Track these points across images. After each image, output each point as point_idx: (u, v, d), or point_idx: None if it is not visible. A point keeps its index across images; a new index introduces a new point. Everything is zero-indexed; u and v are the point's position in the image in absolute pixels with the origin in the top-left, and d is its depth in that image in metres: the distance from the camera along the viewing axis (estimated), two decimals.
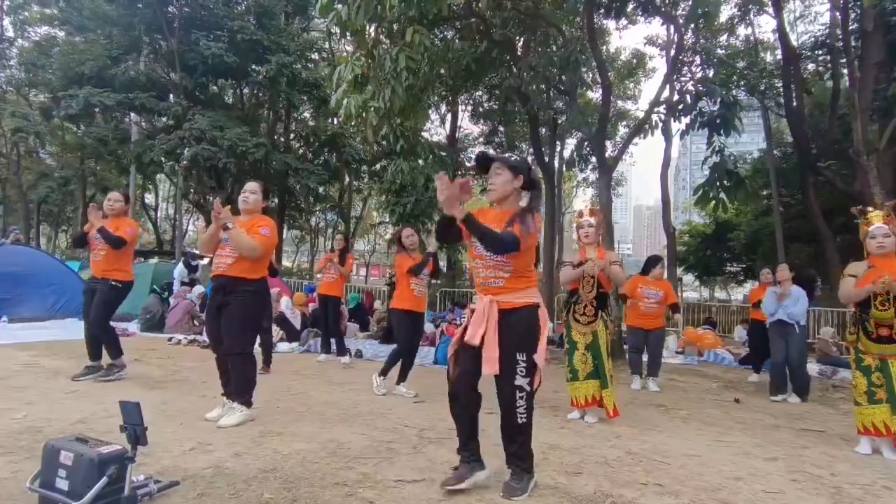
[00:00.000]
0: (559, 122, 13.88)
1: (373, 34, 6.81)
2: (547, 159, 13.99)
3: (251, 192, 3.66)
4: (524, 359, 2.48)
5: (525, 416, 2.49)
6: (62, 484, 1.99)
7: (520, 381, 2.47)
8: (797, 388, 5.55)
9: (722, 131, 8.71)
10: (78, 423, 3.25)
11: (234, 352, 3.47)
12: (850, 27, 9.92)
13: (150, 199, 28.25)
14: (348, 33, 6.79)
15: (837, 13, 10.06)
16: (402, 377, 4.82)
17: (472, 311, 2.61)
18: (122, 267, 4.65)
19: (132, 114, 15.46)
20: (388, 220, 18.44)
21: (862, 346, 3.61)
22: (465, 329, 2.59)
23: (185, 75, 14.59)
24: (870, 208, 3.73)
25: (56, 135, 19.79)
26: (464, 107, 18.06)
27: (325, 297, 6.65)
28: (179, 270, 9.90)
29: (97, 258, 4.62)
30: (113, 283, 4.57)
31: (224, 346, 3.48)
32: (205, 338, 6.54)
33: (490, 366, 2.46)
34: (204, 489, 2.37)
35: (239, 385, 3.51)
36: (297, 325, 8.03)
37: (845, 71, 10.22)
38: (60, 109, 13.89)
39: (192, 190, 18.89)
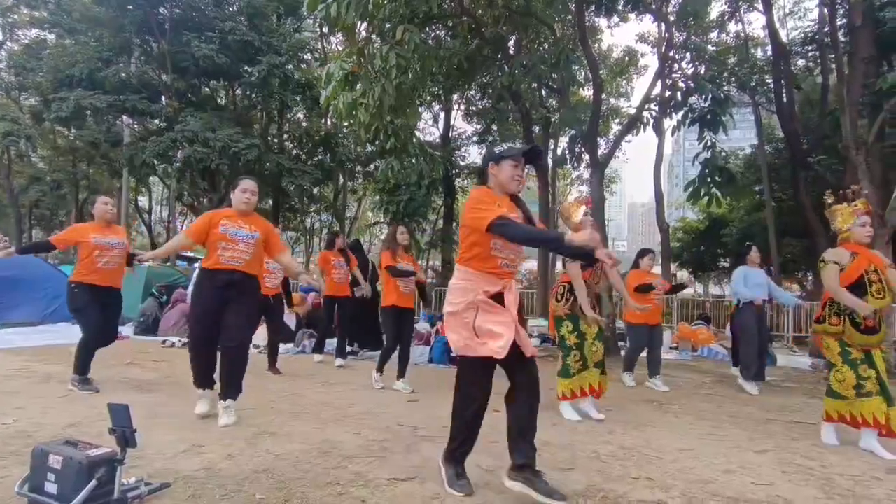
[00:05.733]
0: (552, 120, 13.91)
1: (363, 32, 6.82)
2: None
3: (252, 192, 3.65)
4: None
5: None
6: (51, 487, 1.98)
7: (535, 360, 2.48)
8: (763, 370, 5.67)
9: (712, 127, 8.77)
10: (69, 427, 3.24)
11: (243, 338, 3.55)
12: (839, 22, 9.97)
13: (143, 201, 28.09)
14: (337, 31, 6.79)
15: (826, 9, 10.11)
16: (401, 373, 4.95)
17: (492, 297, 2.42)
18: None
19: (124, 116, 15.37)
20: (382, 219, 18.41)
21: (847, 339, 3.53)
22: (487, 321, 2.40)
23: (177, 77, 14.51)
24: (852, 191, 3.74)
25: (47, 138, 19.64)
26: (457, 106, 18.05)
27: (334, 299, 6.45)
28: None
29: (110, 266, 4.33)
30: (120, 293, 4.54)
31: (234, 335, 3.46)
32: None
33: (529, 348, 2.41)
34: (195, 490, 2.37)
35: (239, 376, 3.55)
36: (293, 327, 8.02)
37: (835, 66, 10.27)
38: (51, 112, 13.77)
39: (185, 192, 18.80)
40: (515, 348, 2.38)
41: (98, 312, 4.29)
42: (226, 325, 3.45)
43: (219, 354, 3.62)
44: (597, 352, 4.10)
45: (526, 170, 2.63)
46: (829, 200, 3.77)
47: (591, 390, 4.10)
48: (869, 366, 3.47)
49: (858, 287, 3.48)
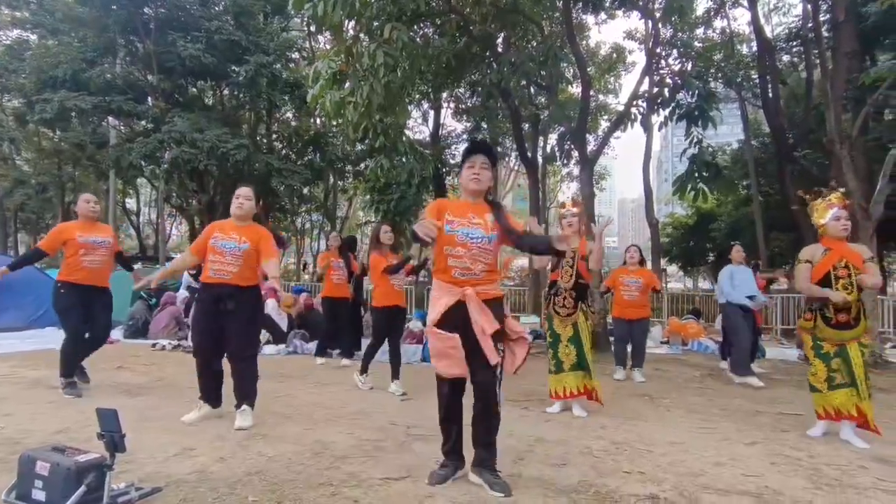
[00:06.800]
0: (541, 117, 13.94)
1: (351, 31, 6.79)
2: (530, 155, 14.05)
3: (245, 197, 3.65)
4: (501, 347, 2.57)
5: (499, 404, 2.57)
6: (39, 495, 1.96)
7: (497, 368, 2.54)
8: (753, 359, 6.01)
9: (699, 123, 8.84)
10: (58, 433, 3.20)
11: (246, 355, 3.53)
12: (822, 18, 10.09)
13: (130, 203, 27.78)
14: (325, 29, 6.76)
15: (809, 5, 10.22)
16: (395, 374, 4.89)
17: (451, 307, 2.55)
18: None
19: (109, 117, 15.20)
20: (373, 218, 18.35)
21: (819, 333, 3.58)
22: (454, 328, 2.52)
23: (163, 77, 14.37)
24: (815, 190, 3.76)
25: (31, 140, 19.36)
26: (446, 104, 18.02)
27: (335, 300, 6.40)
28: (186, 279, 9.68)
29: (95, 265, 4.31)
30: (109, 291, 4.51)
31: (235, 351, 3.51)
32: (189, 343, 6.45)
33: (494, 355, 2.48)
34: (187, 494, 2.36)
35: (250, 387, 3.55)
36: (284, 327, 7.97)
37: (819, 61, 10.38)
38: (35, 114, 13.56)
39: (174, 193, 18.62)
40: (478, 353, 2.50)
41: (80, 315, 4.28)
42: (228, 340, 3.51)
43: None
44: (570, 354, 4.06)
45: (481, 163, 2.67)
46: (806, 198, 3.80)
47: (580, 393, 4.07)
48: (842, 360, 3.50)
49: (825, 283, 3.53)
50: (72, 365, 4.31)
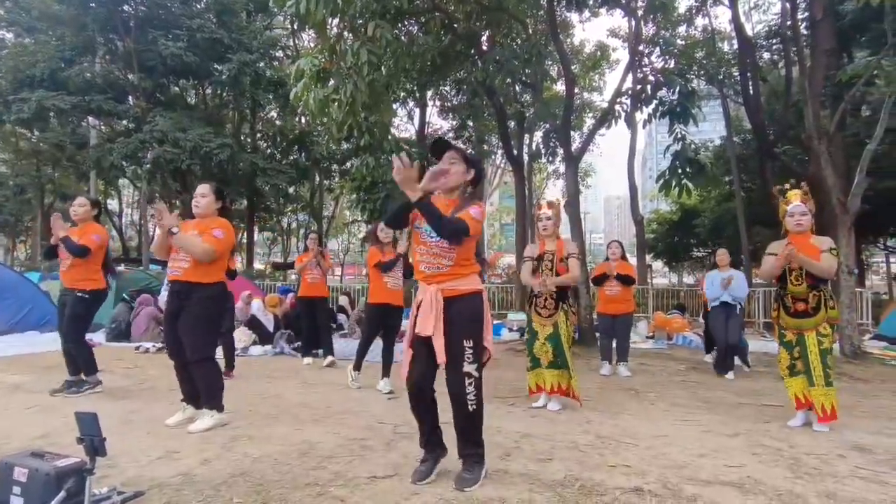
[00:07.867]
0: (526, 115, 13.98)
1: (335, 29, 6.75)
2: (515, 152, 14.10)
3: (201, 195, 3.60)
4: (471, 345, 2.51)
5: (475, 402, 2.51)
6: (17, 501, 1.93)
7: (468, 367, 2.50)
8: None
9: (682, 120, 8.94)
10: (39, 438, 3.15)
11: (195, 358, 3.41)
12: (801, 16, 10.24)
13: (113, 204, 27.33)
14: (308, 27, 6.71)
15: (788, 3, 10.36)
16: (386, 372, 4.87)
17: (418, 305, 2.60)
18: (90, 276, 4.43)
19: (89, 117, 14.96)
20: (360, 217, 18.27)
21: (782, 322, 3.76)
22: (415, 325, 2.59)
23: (144, 76, 14.17)
24: (787, 186, 3.85)
25: (8, 141, 18.98)
26: (432, 102, 18.01)
27: (312, 300, 6.41)
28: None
29: (64, 268, 4.44)
30: (79, 293, 4.36)
31: (184, 352, 3.43)
32: None
33: (441, 355, 2.49)
34: (170, 498, 2.33)
35: (206, 392, 3.48)
36: (270, 328, 7.91)
37: (797, 59, 10.54)
38: (11, 114, 13.29)
39: (156, 194, 18.38)
40: (450, 354, 2.51)
41: (61, 313, 4.54)
42: (179, 341, 3.46)
43: None
44: (547, 352, 4.09)
45: (449, 161, 2.62)
46: (775, 192, 3.93)
47: (556, 390, 4.10)
48: (802, 347, 3.66)
49: (782, 275, 3.71)
50: (68, 364, 4.49)
